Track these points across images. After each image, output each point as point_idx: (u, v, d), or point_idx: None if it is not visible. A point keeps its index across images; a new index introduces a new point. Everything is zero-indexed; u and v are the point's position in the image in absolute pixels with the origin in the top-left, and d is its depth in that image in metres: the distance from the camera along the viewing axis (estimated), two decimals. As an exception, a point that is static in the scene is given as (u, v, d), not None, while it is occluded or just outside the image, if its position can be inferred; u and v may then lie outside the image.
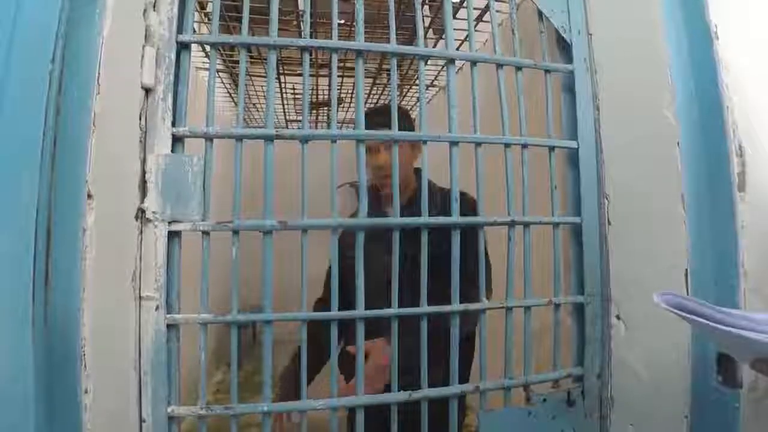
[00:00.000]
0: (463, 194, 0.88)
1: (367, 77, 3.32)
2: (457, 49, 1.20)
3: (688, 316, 0.54)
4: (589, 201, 0.91)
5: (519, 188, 0.90)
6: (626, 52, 0.91)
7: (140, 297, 0.72)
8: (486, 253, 0.95)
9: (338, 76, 0.85)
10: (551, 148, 0.92)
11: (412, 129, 1.25)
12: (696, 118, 0.84)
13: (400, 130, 0.87)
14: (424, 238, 0.84)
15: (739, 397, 0.75)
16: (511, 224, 0.88)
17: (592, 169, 0.92)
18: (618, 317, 0.89)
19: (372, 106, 3.64)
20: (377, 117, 1.10)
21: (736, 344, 0.55)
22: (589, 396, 0.89)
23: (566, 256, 0.93)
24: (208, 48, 0.82)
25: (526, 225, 0.89)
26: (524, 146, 0.90)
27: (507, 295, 0.88)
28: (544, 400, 0.87)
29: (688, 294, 0.81)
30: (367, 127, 0.86)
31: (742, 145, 0.80)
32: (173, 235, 0.75)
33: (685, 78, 0.84)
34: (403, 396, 0.82)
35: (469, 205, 0.94)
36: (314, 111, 3.84)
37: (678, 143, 0.83)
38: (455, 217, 0.85)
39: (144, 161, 0.73)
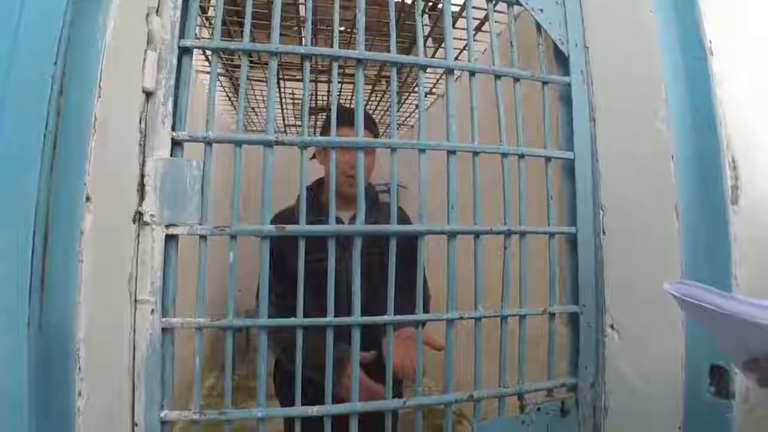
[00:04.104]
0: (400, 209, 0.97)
1: (367, 84, 3.33)
2: (456, 57, 1.21)
3: (702, 304, 0.53)
4: (584, 211, 0.92)
5: (515, 198, 0.91)
6: (622, 65, 0.92)
7: (136, 300, 0.72)
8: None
9: (338, 82, 0.86)
10: (548, 159, 0.93)
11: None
12: (690, 131, 0.85)
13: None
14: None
15: (731, 408, 0.76)
16: (508, 233, 0.89)
17: (587, 180, 0.93)
18: (612, 327, 0.89)
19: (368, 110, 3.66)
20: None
21: (738, 338, 0.53)
22: (583, 405, 0.89)
23: (561, 265, 0.93)
24: (209, 52, 0.82)
25: (522, 234, 0.90)
26: (521, 156, 0.91)
27: (502, 304, 0.88)
28: (538, 409, 0.88)
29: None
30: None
31: (736, 158, 0.81)
32: (170, 239, 0.75)
33: (680, 92, 0.86)
34: (397, 403, 0.82)
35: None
36: (313, 116, 3.85)
37: (672, 156, 0.84)
38: (453, 225, 0.86)
39: (143, 165, 0.74)
